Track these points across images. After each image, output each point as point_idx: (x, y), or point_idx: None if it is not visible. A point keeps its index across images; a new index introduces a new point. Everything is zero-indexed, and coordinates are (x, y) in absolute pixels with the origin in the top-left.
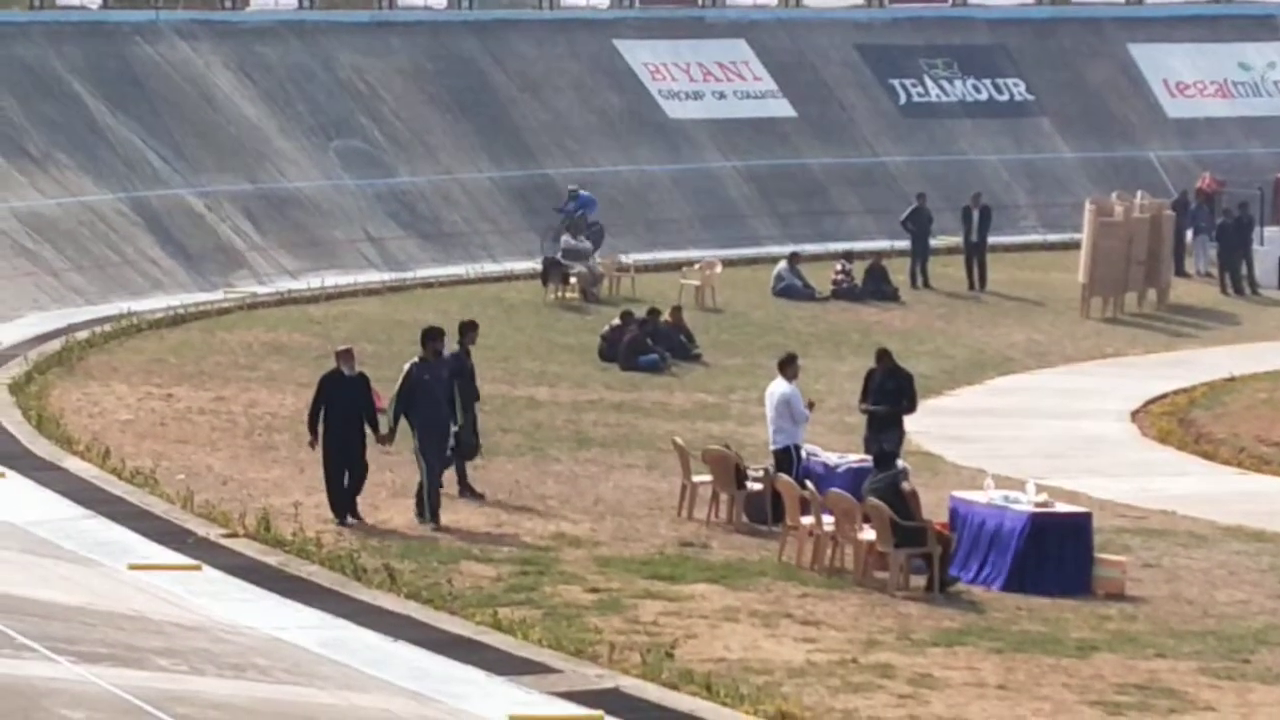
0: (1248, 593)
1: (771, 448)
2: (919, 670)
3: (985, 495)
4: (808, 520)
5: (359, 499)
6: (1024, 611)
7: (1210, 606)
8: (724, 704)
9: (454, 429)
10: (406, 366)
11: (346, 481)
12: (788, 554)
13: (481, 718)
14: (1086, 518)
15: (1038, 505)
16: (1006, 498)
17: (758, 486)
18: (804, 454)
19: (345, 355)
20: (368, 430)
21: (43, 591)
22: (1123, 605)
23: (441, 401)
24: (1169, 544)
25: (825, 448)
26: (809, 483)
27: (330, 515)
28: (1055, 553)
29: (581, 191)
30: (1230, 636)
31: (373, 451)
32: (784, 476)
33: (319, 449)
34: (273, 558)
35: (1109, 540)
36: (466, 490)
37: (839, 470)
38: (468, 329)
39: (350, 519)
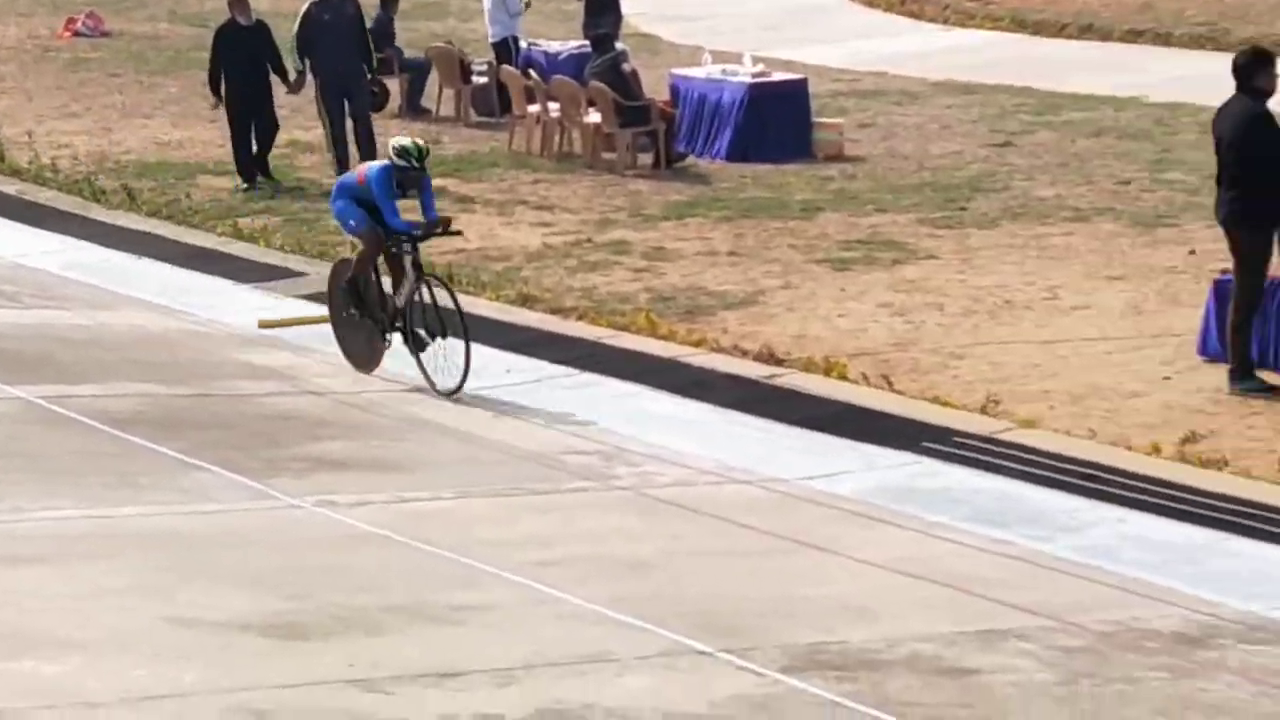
0: (960, 144)
1: (490, 40)
2: (652, 244)
3: (704, 70)
4: (534, 108)
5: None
6: (748, 179)
7: (925, 160)
8: (467, 292)
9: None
10: (305, 6)
11: (255, 139)
12: (517, 143)
13: (231, 325)
14: (803, 84)
15: (755, 76)
16: (725, 71)
17: (483, 80)
18: (524, 44)
19: (239, 3)
20: (274, 81)
21: None
22: (842, 166)
23: (346, 44)
24: (883, 103)
25: (545, 37)
26: (532, 72)
27: (240, 180)
28: (775, 120)
29: None
30: (946, 187)
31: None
32: (507, 68)
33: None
34: (10, 187)
35: (825, 104)
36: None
37: (560, 57)
38: None
39: (261, 180)
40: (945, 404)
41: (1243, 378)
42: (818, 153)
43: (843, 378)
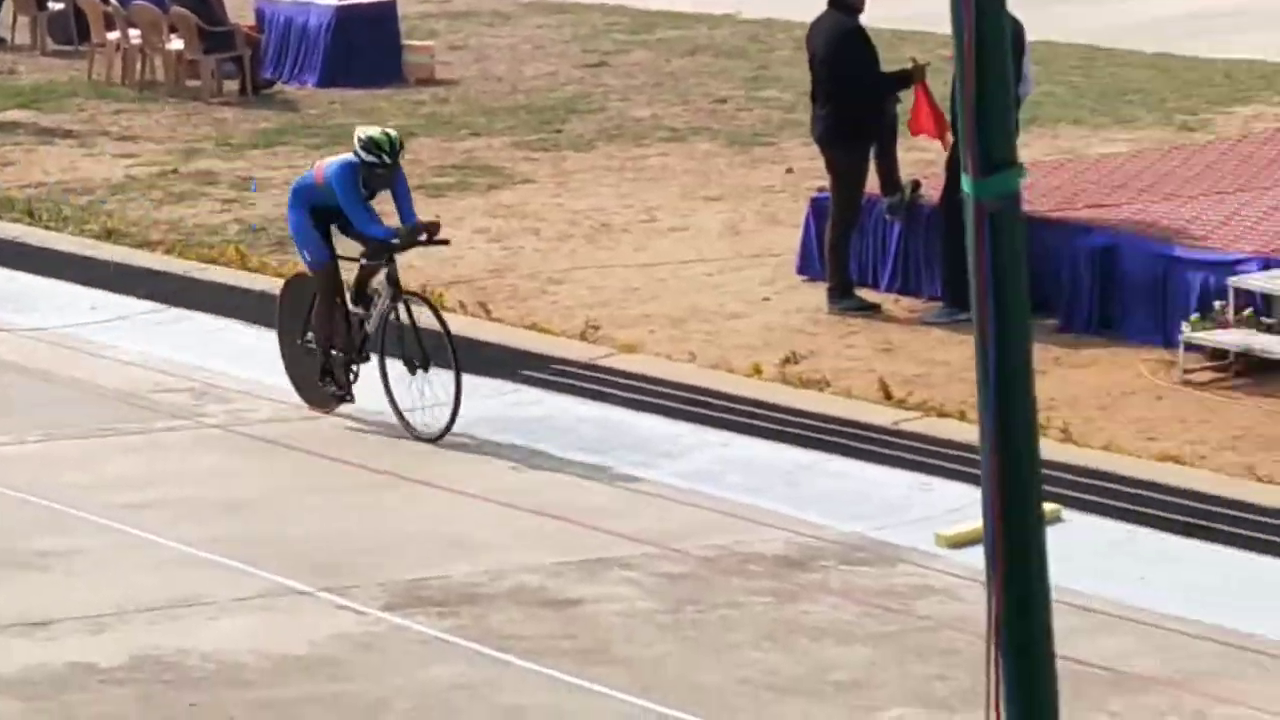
0: (554, 65)
1: None
2: (241, 174)
3: None
4: (114, 35)
5: None
6: (338, 105)
7: (519, 82)
8: (48, 228)
9: None
10: None
11: None
12: (97, 71)
13: None
14: (391, 6)
15: None
16: None
17: (59, 6)
18: None
19: None
20: None
21: None
22: (434, 89)
23: None
24: (474, 24)
25: None
26: None
27: None
28: (363, 44)
29: None
30: (540, 109)
31: None
32: None
33: None
34: None
35: (415, 26)
36: None
37: None
38: None
39: None
40: (544, 331)
41: (842, 296)
42: (409, 76)
43: (440, 306)
